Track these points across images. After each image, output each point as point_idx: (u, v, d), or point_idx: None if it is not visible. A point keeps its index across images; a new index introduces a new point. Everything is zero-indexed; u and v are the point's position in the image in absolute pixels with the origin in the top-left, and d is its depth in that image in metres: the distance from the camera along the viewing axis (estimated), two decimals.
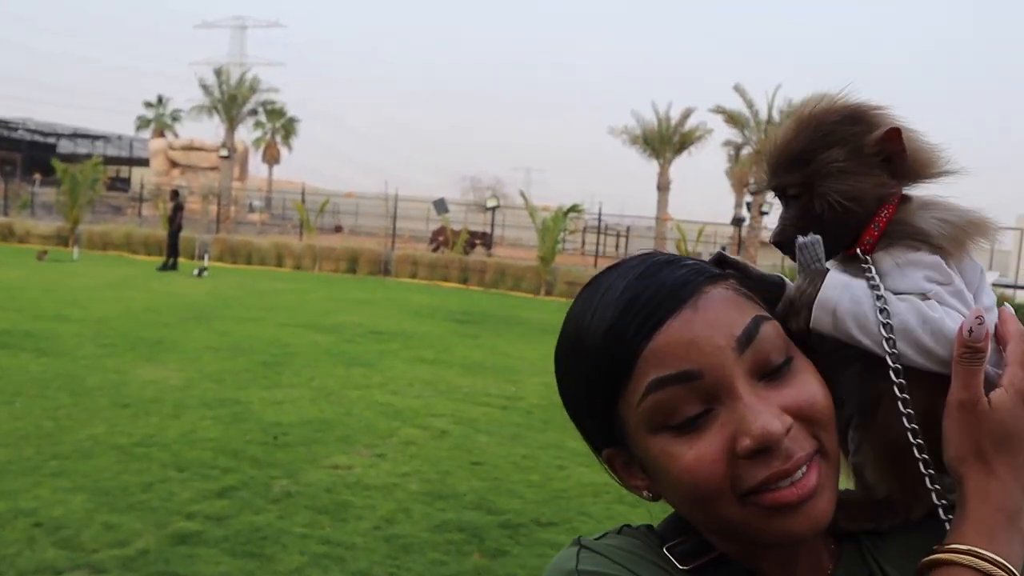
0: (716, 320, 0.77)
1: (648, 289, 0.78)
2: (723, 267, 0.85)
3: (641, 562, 0.83)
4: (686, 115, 37.36)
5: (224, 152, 35.31)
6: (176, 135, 57.66)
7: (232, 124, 39.13)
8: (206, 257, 22.10)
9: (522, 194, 25.80)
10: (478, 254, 27.22)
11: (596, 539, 0.87)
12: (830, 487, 0.79)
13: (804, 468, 0.76)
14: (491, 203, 30.07)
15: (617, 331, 0.78)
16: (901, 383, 0.80)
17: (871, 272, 0.83)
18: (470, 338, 13.16)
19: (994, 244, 0.88)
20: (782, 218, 0.90)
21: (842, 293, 0.81)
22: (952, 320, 0.80)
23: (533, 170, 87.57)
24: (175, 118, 60.22)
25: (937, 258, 0.83)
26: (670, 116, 37.53)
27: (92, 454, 5.96)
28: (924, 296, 0.81)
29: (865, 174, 0.85)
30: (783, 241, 0.89)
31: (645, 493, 0.85)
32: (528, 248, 30.03)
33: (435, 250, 27.99)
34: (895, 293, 0.82)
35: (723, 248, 0.94)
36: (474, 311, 17.09)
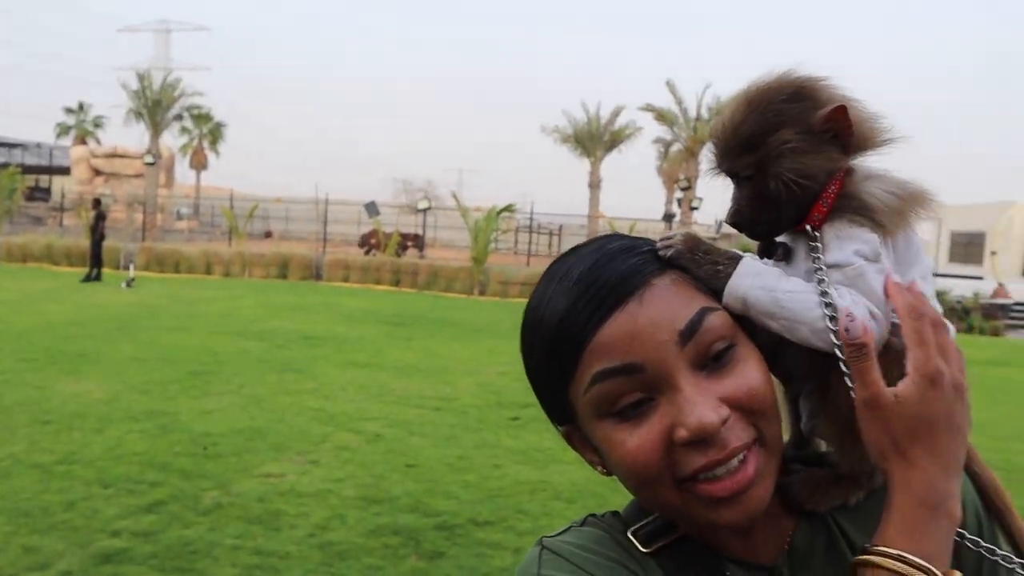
0: (660, 315, 0.79)
1: (598, 280, 0.81)
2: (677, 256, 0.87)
3: (602, 563, 0.85)
4: (616, 113, 37.77)
5: (149, 159, 34.34)
6: (99, 142, 55.98)
7: (157, 130, 38.08)
8: (132, 267, 21.48)
9: (454, 195, 25.73)
10: (411, 256, 27.07)
11: (559, 535, 0.89)
12: (769, 474, 0.82)
13: (741, 456, 0.79)
14: (423, 205, 29.94)
15: (567, 323, 0.81)
16: (844, 360, 0.81)
17: (818, 252, 0.85)
18: (403, 340, 13.09)
19: (934, 214, 0.90)
20: (735, 199, 0.90)
21: (752, 281, 0.83)
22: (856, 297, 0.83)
23: (466, 171, 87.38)
24: (97, 125, 58.46)
25: (873, 236, 0.84)
26: (600, 115, 37.91)
27: (10, 474, 5.75)
28: (849, 267, 0.83)
29: (816, 152, 0.85)
30: (739, 222, 0.90)
31: (600, 468, 0.89)
32: (461, 249, 30.01)
33: (367, 253, 27.76)
34: (828, 266, 0.84)
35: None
36: (407, 313, 17.00)
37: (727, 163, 0.90)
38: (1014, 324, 22.19)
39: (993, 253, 29.37)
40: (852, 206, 0.85)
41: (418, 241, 29.18)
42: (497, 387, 9.52)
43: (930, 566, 0.75)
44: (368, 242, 29.07)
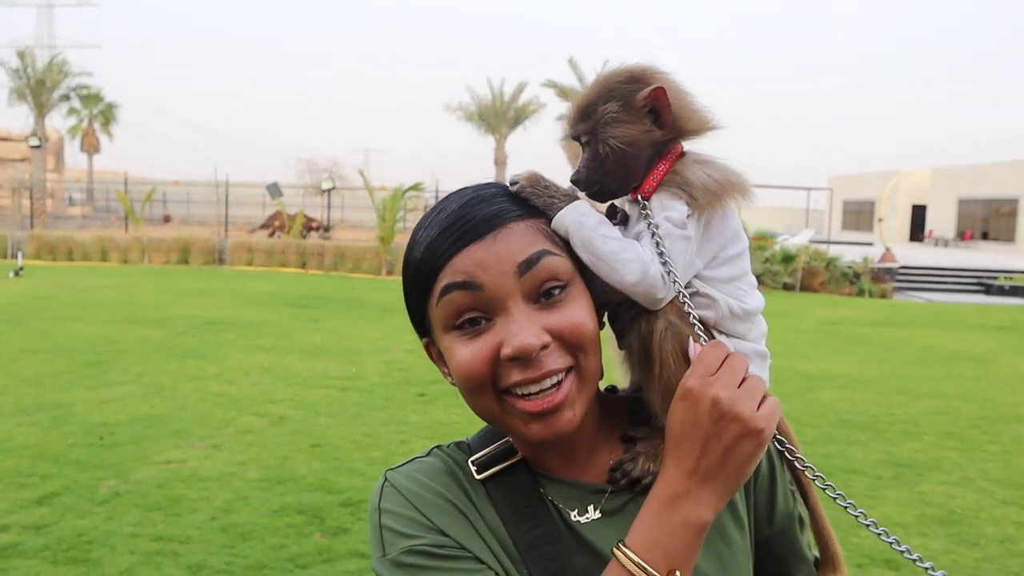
0: (507, 249, 0.93)
1: (464, 218, 0.94)
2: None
3: (428, 498, 0.98)
4: (520, 90, 37.84)
5: (35, 141, 32.66)
6: None
7: (42, 111, 36.26)
8: (20, 256, 20.57)
9: (361, 173, 25.39)
10: (315, 239, 26.63)
11: (402, 466, 1.03)
12: (580, 401, 0.95)
13: (555, 380, 0.93)
14: (327, 185, 29.40)
15: (433, 248, 0.95)
16: (694, 312, 0.96)
17: (650, 216, 0.98)
18: (310, 322, 12.94)
19: (751, 203, 1.02)
20: (580, 161, 1.04)
21: (577, 217, 0.97)
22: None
23: (373, 151, 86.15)
24: None
25: (684, 208, 0.98)
26: (504, 92, 37.92)
27: None
28: (656, 227, 0.97)
29: (634, 123, 1.00)
30: (577, 180, 1.03)
31: (449, 379, 1.00)
32: (369, 229, 29.66)
33: (271, 235, 27.20)
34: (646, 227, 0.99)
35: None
36: (313, 295, 16.79)
37: (571, 129, 1.05)
38: (901, 287, 23.28)
39: (881, 220, 30.67)
40: (676, 181, 1.00)
41: (321, 227, 28.66)
42: (404, 365, 9.53)
43: (647, 566, 0.85)
44: (272, 224, 28.47)
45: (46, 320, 12.24)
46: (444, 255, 0.94)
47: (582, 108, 1.02)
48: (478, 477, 1.02)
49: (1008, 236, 40.92)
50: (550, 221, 0.97)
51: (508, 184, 1.00)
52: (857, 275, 21.82)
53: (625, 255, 0.95)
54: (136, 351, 10.00)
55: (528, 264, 0.92)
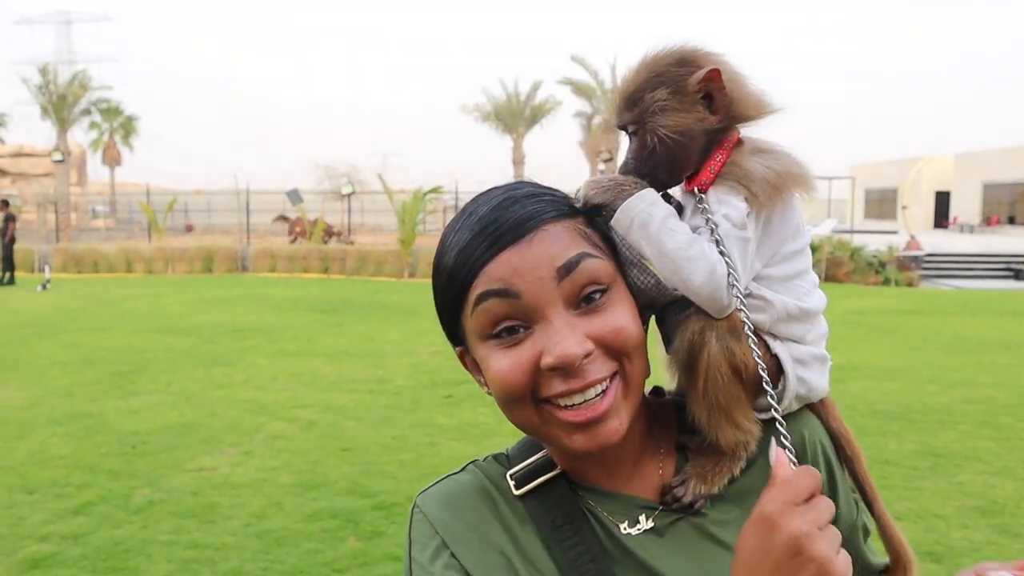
0: (544, 253, 0.88)
1: (497, 221, 0.90)
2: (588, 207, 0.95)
3: (459, 536, 0.94)
4: (535, 88, 37.77)
5: (58, 156, 33.02)
6: (2, 141, 53.74)
7: (64, 126, 36.64)
8: (47, 269, 20.77)
9: (380, 177, 25.41)
10: (335, 245, 26.72)
11: (434, 487, 0.99)
12: (626, 409, 0.90)
13: (600, 389, 0.88)
14: (346, 190, 29.50)
15: (465, 254, 0.91)
16: (749, 322, 0.90)
17: (708, 211, 0.92)
18: (334, 327, 12.98)
19: (813, 195, 0.95)
20: (627, 152, 0.98)
21: (646, 207, 0.91)
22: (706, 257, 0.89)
23: (390, 155, 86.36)
24: (0, 123, 56.12)
25: (744, 205, 0.91)
26: (519, 91, 37.89)
27: None
28: (715, 225, 0.90)
29: (687, 111, 0.93)
30: (626, 173, 0.97)
31: (486, 388, 0.96)
32: (389, 233, 29.74)
33: (293, 241, 27.33)
34: (703, 224, 0.92)
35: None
36: (337, 300, 16.84)
37: (617, 119, 0.98)
38: (927, 274, 23.03)
39: (904, 207, 30.37)
40: (735, 174, 0.93)
41: (342, 233, 28.73)
42: (430, 367, 9.53)
43: None
44: (293, 230, 28.60)
45: (75, 331, 12.36)
46: (477, 261, 0.89)
47: (628, 95, 0.96)
48: (516, 493, 0.97)
49: None
50: (610, 216, 0.92)
51: (574, 200, 0.95)
52: (882, 264, 21.60)
53: (692, 252, 0.89)
54: (164, 360, 10.07)
55: (567, 268, 0.88)
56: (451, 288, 0.93)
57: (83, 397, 8.10)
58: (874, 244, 23.24)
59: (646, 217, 0.90)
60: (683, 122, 0.93)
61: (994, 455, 6.20)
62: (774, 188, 0.91)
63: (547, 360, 0.86)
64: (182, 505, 5.20)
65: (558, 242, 0.89)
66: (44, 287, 18.74)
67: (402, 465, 5.97)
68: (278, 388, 8.52)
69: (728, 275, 0.88)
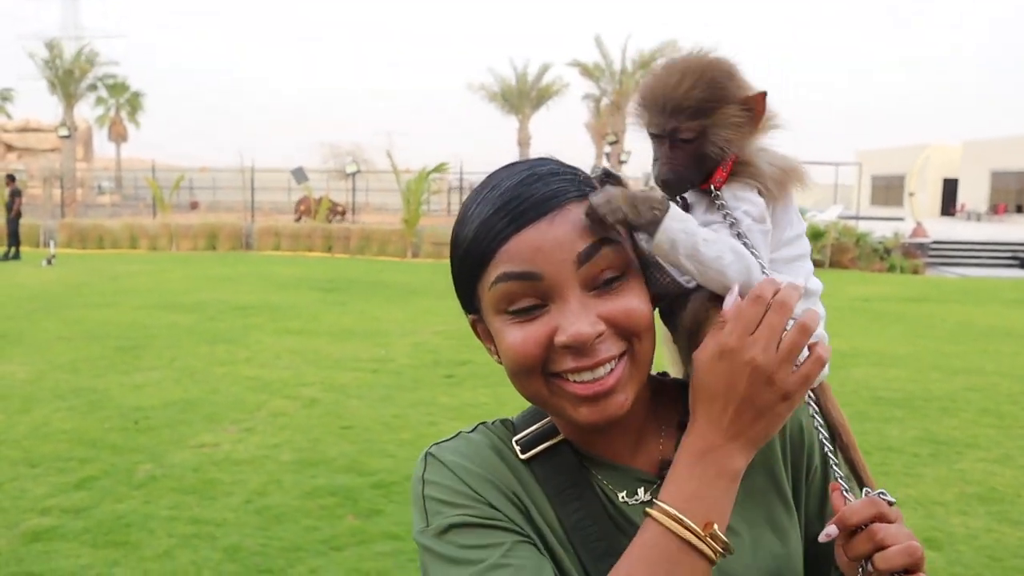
0: (565, 236, 0.90)
1: (520, 196, 0.92)
2: (607, 181, 0.98)
3: (475, 472, 0.96)
4: (543, 70, 37.63)
5: (64, 131, 32.96)
6: (9, 116, 53.67)
7: (71, 101, 36.57)
8: (52, 244, 20.80)
9: (388, 154, 25.28)
10: (340, 223, 26.71)
11: (447, 441, 1.01)
12: (632, 385, 0.94)
13: (609, 367, 0.92)
14: (351, 169, 29.43)
15: (487, 226, 0.92)
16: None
17: (726, 207, 0.98)
18: (338, 306, 12.99)
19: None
20: (669, 158, 1.00)
21: (680, 225, 0.94)
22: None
23: (395, 134, 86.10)
24: (5, 98, 56.05)
25: (761, 200, 0.99)
26: (527, 72, 37.72)
27: None
28: (737, 221, 0.96)
29: (745, 127, 0.99)
30: (670, 180, 1.00)
31: (495, 357, 1.00)
32: (394, 212, 29.68)
33: (297, 220, 27.32)
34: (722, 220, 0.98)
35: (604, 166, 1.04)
36: (340, 278, 16.85)
37: (673, 122, 0.99)
38: (933, 262, 22.96)
39: (911, 194, 30.26)
40: (748, 171, 0.99)
41: (346, 212, 28.68)
42: (432, 346, 9.54)
43: (684, 518, 0.84)
44: (298, 209, 28.60)
45: (79, 307, 12.39)
46: (499, 236, 0.91)
47: (694, 104, 0.98)
48: (522, 456, 1.00)
49: None
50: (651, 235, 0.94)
51: (599, 207, 0.93)
52: (888, 251, 21.54)
53: (728, 257, 0.93)
54: (168, 336, 10.09)
55: (587, 255, 0.91)
56: (469, 259, 0.95)
57: (87, 372, 8.12)
58: (880, 231, 23.16)
59: (683, 236, 0.93)
60: (739, 136, 0.99)
61: (995, 443, 6.20)
62: (780, 184, 1.00)
63: (561, 339, 0.90)
64: (183, 481, 5.22)
65: (579, 224, 0.91)
66: (49, 262, 18.78)
67: (401, 444, 5.98)
68: (281, 366, 8.53)
69: (760, 267, 0.94)
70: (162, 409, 6.84)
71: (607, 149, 34.30)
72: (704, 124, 0.98)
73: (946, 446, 6.10)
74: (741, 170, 0.99)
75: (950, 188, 48.74)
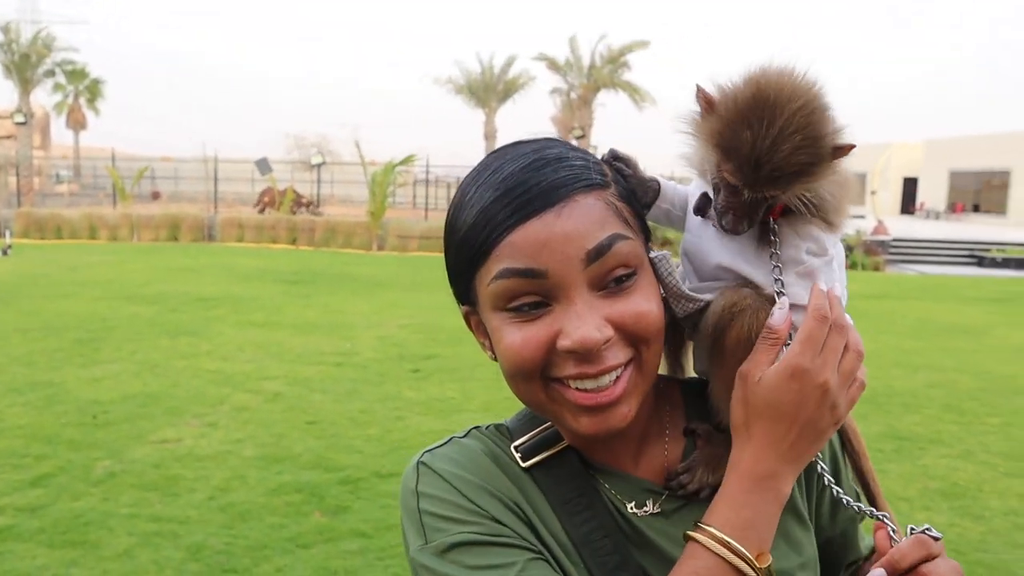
0: (574, 230, 0.82)
1: (525, 184, 0.83)
2: (614, 162, 0.92)
3: (472, 482, 0.89)
4: (509, 63, 37.49)
5: (20, 118, 32.24)
6: None
7: (27, 87, 35.75)
8: (8, 234, 20.35)
9: (356, 145, 25.04)
10: (306, 214, 26.45)
11: (440, 447, 0.93)
12: (637, 395, 0.87)
13: (614, 375, 0.85)
14: (316, 160, 29.17)
15: (487, 216, 0.84)
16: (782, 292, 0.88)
17: (776, 245, 0.89)
18: (302, 298, 12.85)
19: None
20: (741, 209, 0.87)
21: (785, 308, 0.87)
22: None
23: (361, 127, 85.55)
24: None
25: (823, 235, 0.91)
26: (493, 65, 37.58)
27: None
28: (801, 265, 0.89)
29: (829, 176, 0.86)
30: (739, 231, 0.88)
31: (489, 353, 0.93)
32: (359, 205, 29.46)
33: (261, 211, 27.00)
34: (785, 260, 0.89)
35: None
36: (305, 271, 16.68)
37: (768, 190, 0.85)
38: (893, 259, 23.29)
39: (873, 192, 30.64)
40: (809, 203, 0.87)
41: (311, 203, 28.40)
42: (398, 340, 9.46)
43: (740, 547, 0.80)
44: (262, 200, 28.26)
45: (36, 298, 12.11)
46: (501, 226, 0.83)
47: (790, 172, 0.83)
48: (524, 465, 0.93)
49: (999, 209, 40.95)
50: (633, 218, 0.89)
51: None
52: (849, 248, 21.80)
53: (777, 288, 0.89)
54: (127, 328, 9.90)
55: (598, 252, 0.83)
56: (466, 250, 0.87)
57: (44, 365, 7.94)
58: None
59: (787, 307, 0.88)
60: (822, 187, 0.87)
61: (957, 439, 6.28)
62: (841, 211, 0.90)
63: (564, 343, 0.83)
64: (144, 477, 5.11)
65: (589, 218, 0.83)
66: (5, 252, 18.36)
67: (368, 439, 5.91)
68: (244, 359, 8.41)
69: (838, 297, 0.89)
70: (121, 403, 6.70)
71: (573, 143, 34.31)
72: (800, 187, 0.85)
73: (909, 442, 6.17)
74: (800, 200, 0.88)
75: (911, 187, 49.48)
